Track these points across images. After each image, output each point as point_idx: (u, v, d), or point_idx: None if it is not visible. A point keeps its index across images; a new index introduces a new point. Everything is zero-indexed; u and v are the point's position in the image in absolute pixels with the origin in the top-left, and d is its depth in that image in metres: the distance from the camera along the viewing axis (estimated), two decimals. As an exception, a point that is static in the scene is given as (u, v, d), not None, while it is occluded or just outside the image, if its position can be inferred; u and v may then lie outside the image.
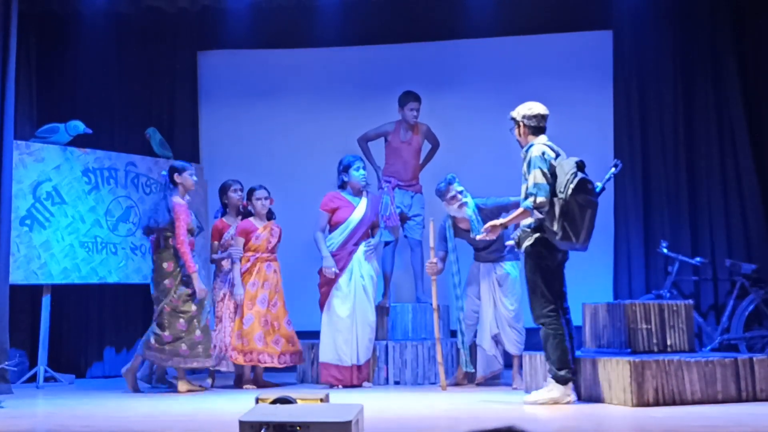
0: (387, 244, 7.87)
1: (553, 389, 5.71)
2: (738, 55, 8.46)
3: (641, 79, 8.72)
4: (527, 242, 5.82)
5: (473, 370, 7.02)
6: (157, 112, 9.21)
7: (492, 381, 7.16)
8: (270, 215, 7.47)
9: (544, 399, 5.70)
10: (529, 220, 5.84)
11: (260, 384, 7.28)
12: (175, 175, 7.05)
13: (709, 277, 8.40)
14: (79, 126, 7.91)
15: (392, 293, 7.90)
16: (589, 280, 8.50)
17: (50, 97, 8.89)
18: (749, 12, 8.49)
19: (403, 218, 7.80)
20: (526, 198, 5.75)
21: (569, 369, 5.71)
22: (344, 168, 7.25)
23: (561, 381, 5.70)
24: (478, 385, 7.07)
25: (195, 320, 6.92)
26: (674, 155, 8.58)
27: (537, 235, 5.77)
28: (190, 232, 6.99)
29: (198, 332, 6.91)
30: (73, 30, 8.93)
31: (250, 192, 7.44)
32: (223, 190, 7.59)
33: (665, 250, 8.21)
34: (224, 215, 7.61)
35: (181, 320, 6.88)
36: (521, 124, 5.96)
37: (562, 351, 5.69)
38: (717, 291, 8.40)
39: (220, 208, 7.71)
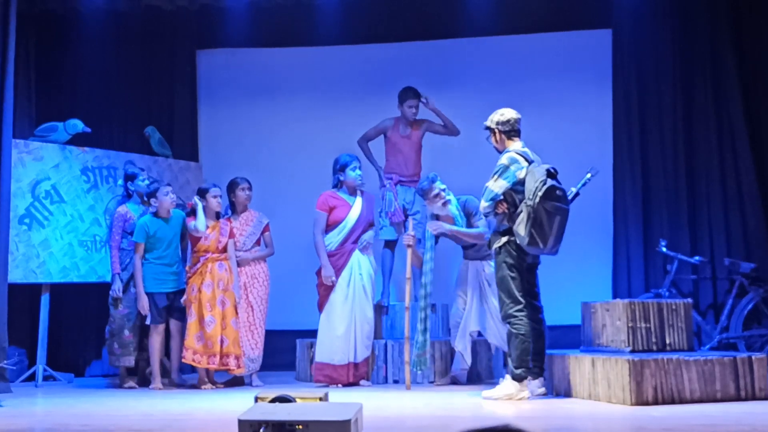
0: (388, 243, 7.86)
1: (508, 386, 5.95)
2: (737, 53, 8.47)
3: (640, 78, 8.73)
4: (497, 243, 6.04)
5: (420, 371, 7.00)
6: (156, 110, 9.21)
7: (488, 381, 7.17)
8: (218, 214, 7.36)
9: (498, 395, 5.94)
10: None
11: (213, 384, 7.21)
12: (128, 184, 7.48)
13: (708, 276, 8.41)
14: (78, 125, 7.91)
15: (392, 292, 7.89)
16: (588, 278, 8.52)
17: (49, 96, 8.90)
18: (748, 10, 8.49)
19: (405, 216, 7.78)
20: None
21: (526, 368, 5.96)
22: (341, 167, 7.24)
23: (517, 378, 5.95)
24: (452, 383, 7.08)
25: (125, 319, 7.27)
26: (673, 154, 8.59)
27: (507, 237, 5.98)
28: (132, 234, 7.30)
29: (126, 332, 7.28)
30: (72, 29, 8.94)
31: (204, 191, 7.31)
32: (231, 187, 7.50)
33: (664, 249, 8.21)
34: (233, 213, 7.54)
35: (110, 319, 7.33)
36: (496, 131, 6.17)
37: (522, 351, 5.95)
38: (716, 290, 8.41)
39: (227, 207, 7.59)
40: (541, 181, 5.78)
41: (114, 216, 7.47)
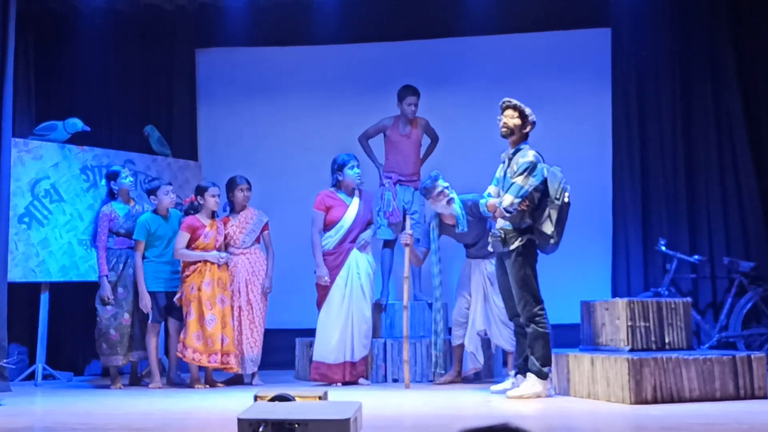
0: (386, 243, 7.86)
1: (536, 384, 5.96)
2: (736, 52, 8.47)
3: (640, 77, 8.73)
4: (518, 242, 5.99)
5: (443, 372, 7.04)
6: (156, 109, 9.22)
7: (486, 379, 7.17)
8: (214, 213, 7.35)
9: (529, 393, 5.93)
10: (501, 223, 6.04)
11: (211, 383, 7.22)
12: (111, 183, 7.38)
13: (707, 275, 8.41)
14: (77, 123, 7.91)
15: (391, 291, 7.89)
16: (588, 277, 8.53)
17: (48, 95, 8.90)
18: (748, 10, 8.49)
19: (403, 216, 7.76)
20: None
21: (550, 366, 6.03)
22: (339, 167, 7.23)
23: (543, 377, 5.98)
24: (464, 381, 7.10)
25: (111, 319, 7.22)
26: (672, 153, 8.59)
27: (527, 236, 5.98)
28: (117, 233, 7.29)
29: (113, 331, 7.24)
30: (71, 28, 8.95)
31: (202, 189, 7.29)
32: (230, 186, 7.43)
33: (663, 248, 8.22)
34: (231, 212, 7.52)
35: (98, 320, 7.28)
36: (529, 125, 6.12)
37: (548, 350, 6.01)
38: (715, 289, 8.41)
39: (226, 203, 7.53)
40: (564, 181, 5.93)
41: (99, 216, 7.32)
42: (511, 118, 6.09)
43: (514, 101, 6.11)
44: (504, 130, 6.10)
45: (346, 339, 7.06)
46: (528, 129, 6.10)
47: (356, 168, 7.24)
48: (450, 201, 6.90)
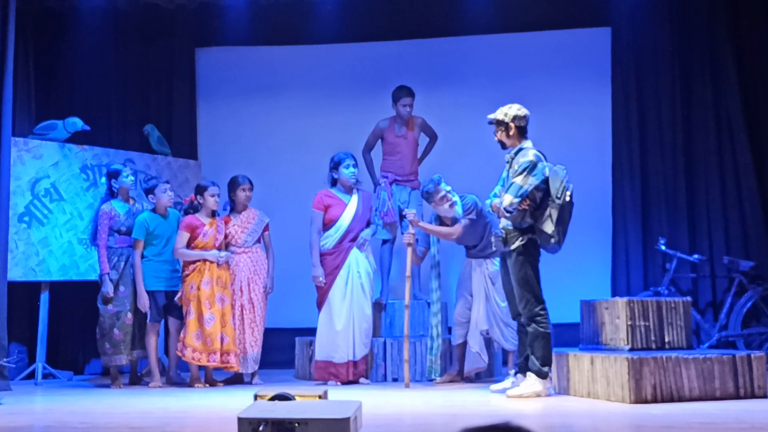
0: (385, 242, 7.86)
1: (535, 383, 5.97)
2: (736, 51, 8.47)
3: (639, 76, 8.73)
4: (518, 242, 5.99)
5: (439, 378, 7.03)
6: (155, 108, 9.22)
7: (486, 378, 7.17)
8: (214, 212, 7.36)
9: (528, 392, 5.93)
10: (503, 222, 6.04)
11: (212, 382, 7.21)
12: (112, 181, 7.34)
13: (707, 274, 8.41)
14: (77, 123, 7.91)
15: (390, 290, 7.89)
16: (587, 276, 8.53)
17: (48, 94, 8.91)
18: (746, 8, 8.49)
19: (400, 216, 7.76)
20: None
21: (550, 366, 6.04)
22: (334, 165, 7.24)
23: (543, 376, 5.99)
24: (466, 380, 7.11)
25: (114, 318, 7.21)
26: (672, 152, 8.60)
27: (528, 235, 5.97)
28: (118, 232, 7.27)
29: (116, 330, 7.21)
30: (71, 27, 8.94)
31: (202, 188, 7.29)
32: (232, 186, 7.41)
33: (663, 247, 8.22)
34: (232, 211, 7.50)
35: (100, 319, 7.27)
36: (512, 126, 6.07)
37: (548, 349, 6.02)
38: (715, 288, 8.42)
39: (227, 203, 7.53)
40: (567, 180, 5.89)
41: (99, 215, 7.29)
42: (496, 133, 6.14)
43: (490, 116, 6.14)
44: (500, 144, 6.18)
45: (348, 338, 7.07)
46: (513, 130, 6.06)
47: (352, 167, 7.24)
48: (452, 205, 6.90)
